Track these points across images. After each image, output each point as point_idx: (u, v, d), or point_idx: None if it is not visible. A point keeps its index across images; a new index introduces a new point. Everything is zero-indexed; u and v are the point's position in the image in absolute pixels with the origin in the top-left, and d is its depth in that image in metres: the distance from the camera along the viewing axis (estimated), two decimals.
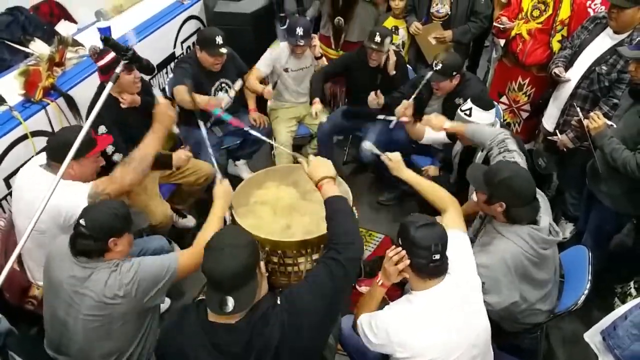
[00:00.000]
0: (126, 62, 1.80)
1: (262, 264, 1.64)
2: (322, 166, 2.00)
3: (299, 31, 3.36)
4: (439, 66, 2.90)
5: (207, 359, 1.56)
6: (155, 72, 3.69)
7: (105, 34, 3.16)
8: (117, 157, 2.72)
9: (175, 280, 2.00)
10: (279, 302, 1.61)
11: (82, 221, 1.90)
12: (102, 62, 2.64)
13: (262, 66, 3.57)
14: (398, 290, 2.13)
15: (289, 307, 1.60)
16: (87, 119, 2.63)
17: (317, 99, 3.43)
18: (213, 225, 2.14)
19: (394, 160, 2.39)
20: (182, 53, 3.90)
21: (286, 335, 1.57)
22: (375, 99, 3.25)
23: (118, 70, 1.76)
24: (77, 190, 2.16)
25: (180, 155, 2.90)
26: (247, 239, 1.63)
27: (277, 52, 3.55)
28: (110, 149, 2.71)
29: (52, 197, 1.98)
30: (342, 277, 1.68)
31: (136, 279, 1.89)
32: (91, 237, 1.88)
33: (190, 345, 1.59)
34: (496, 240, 2.11)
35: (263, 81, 3.62)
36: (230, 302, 1.50)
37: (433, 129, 2.78)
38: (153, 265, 1.96)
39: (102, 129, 2.67)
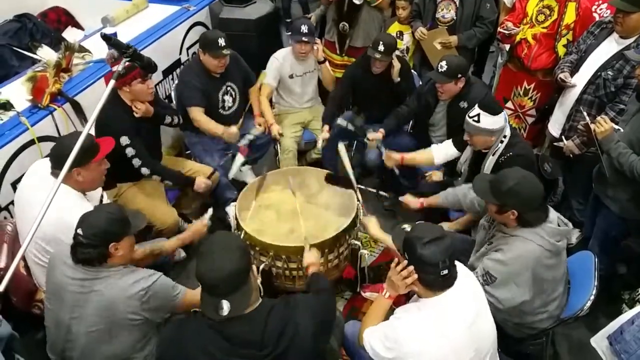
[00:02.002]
0: (127, 59, 1.80)
1: (254, 267, 1.68)
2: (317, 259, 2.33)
3: (304, 29, 3.38)
4: (444, 68, 2.90)
5: (220, 355, 1.58)
6: (162, 78, 3.72)
7: None
8: (144, 171, 2.83)
9: (177, 308, 2.03)
10: (288, 300, 1.69)
11: (79, 230, 1.89)
12: (117, 67, 2.64)
13: (271, 79, 3.59)
14: (403, 296, 2.12)
15: (297, 303, 1.69)
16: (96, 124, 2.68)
17: (326, 127, 3.44)
18: (172, 243, 2.54)
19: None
20: (188, 59, 3.93)
21: (300, 324, 1.63)
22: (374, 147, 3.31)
23: (120, 67, 1.77)
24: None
25: (200, 183, 3.03)
26: (238, 243, 1.67)
27: (280, 61, 3.57)
28: (145, 171, 2.81)
29: (68, 214, 2.06)
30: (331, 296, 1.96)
31: (153, 287, 1.92)
32: (90, 245, 1.88)
33: (197, 347, 1.60)
34: (511, 241, 2.11)
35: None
36: (226, 305, 1.53)
37: (410, 207, 2.88)
38: (170, 284, 2.00)
39: (124, 139, 2.70)
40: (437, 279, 1.75)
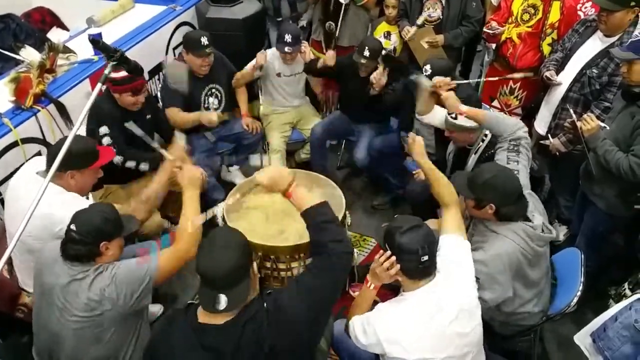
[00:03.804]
0: (114, 63, 1.79)
1: (254, 264, 1.68)
2: (280, 173, 1.90)
3: (288, 38, 3.37)
4: (428, 71, 2.90)
5: (197, 359, 1.57)
6: (148, 79, 3.68)
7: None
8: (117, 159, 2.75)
9: (158, 280, 1.95)
10: (265, 305, 1.62)
11: (72, 226, 1.89)
12: (115, 75, 2.61)
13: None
14: (391, 293, 2.13)
15: (277, 311, 1.61)
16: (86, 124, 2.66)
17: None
18: (189, 213, 2.07)
19: (417, 142, 2.32)
20: (175, 59, 3.89)
21: (277, 336, 1.58)
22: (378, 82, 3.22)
23: (107, 71, 1.76)
24: (82, 204, 2.14)
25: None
26: (240, 239, 1.67)
27: (269, 58, 3.56)
28: (117, 159, 2.73)
29: (55, 208, 2.04)
30: (332, 276, 1.70)
31: (115, 282, 1.88)
32: (82, 241, 1.87)
33: (180, 347, 1.60)
34: (491, 239, 2.12)
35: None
36: (223, 299, 1.53)
37: (449, 108, 2.61)
38: (131, 267, 1.93)
39: (104, 129, 2.68)
40: (418, 266, 1.80)
